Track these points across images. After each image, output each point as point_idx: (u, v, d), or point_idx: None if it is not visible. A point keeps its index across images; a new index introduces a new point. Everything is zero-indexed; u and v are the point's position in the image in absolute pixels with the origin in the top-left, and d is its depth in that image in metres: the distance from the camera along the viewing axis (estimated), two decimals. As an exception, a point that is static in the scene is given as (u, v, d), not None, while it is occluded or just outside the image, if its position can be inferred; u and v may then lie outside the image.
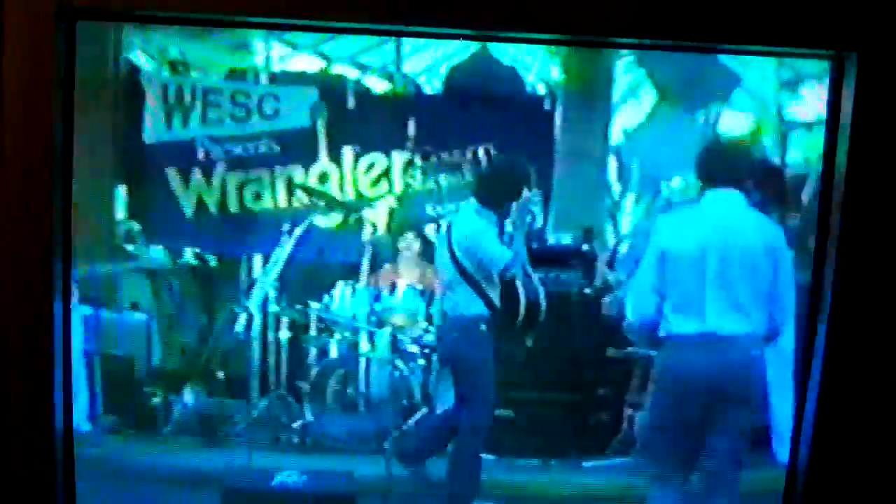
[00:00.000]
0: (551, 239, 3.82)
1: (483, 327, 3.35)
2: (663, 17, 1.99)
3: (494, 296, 3.35)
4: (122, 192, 3.94)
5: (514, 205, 3.34)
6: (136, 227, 3.93)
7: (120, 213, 3.95)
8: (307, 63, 3.96)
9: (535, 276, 3.40)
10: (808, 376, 2.12)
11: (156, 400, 3.87)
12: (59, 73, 1.93)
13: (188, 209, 3.92)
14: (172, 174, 3.89)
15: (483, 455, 3.40)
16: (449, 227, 3.43)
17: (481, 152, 3.83)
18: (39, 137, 1.95)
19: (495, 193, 3.38)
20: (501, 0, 1.95)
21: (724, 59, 3.43)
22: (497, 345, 3.35)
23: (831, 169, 2.04)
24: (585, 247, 3.75)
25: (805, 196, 3.58)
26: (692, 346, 2.86)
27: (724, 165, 2.98)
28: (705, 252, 2.85)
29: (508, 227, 3.35)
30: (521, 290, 3.36)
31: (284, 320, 4.01)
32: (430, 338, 3.78)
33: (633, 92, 3.72)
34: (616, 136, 3.77)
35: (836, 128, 2.04)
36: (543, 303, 3.38)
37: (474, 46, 3.71)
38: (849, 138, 2.00)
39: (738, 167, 3.03)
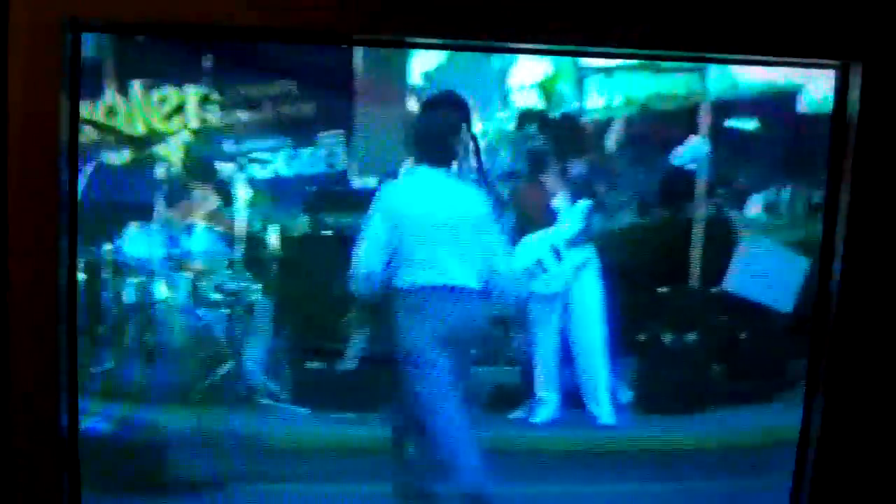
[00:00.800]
0: (357, 182, 3.84)
1: None
2: (672, 27, 2.01)
3: None
4: None
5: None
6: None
7: None
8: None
9: None
10: (818, 367, 2.26)
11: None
12: (66, 83, 1.90)
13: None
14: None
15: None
16: None
17: (284, 88, 3.75)
18: (44, 145, 2.02)
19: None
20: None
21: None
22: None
23: (837, 176, 2.13)
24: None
25: (609, 142, 3.80)
26: (426, 294, 3.31)
27: (430, 147, 3.52)
28: (426, 214, 3.37)
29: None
30: None
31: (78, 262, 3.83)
32: (233, 285, 3.76)
33: (434, 35, 3.71)
34: (416, 78, 3.78)
35: (841, 136, 2.13)
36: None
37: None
38: (854, 147, 2.09)
39: (442, 149, 3.53)
